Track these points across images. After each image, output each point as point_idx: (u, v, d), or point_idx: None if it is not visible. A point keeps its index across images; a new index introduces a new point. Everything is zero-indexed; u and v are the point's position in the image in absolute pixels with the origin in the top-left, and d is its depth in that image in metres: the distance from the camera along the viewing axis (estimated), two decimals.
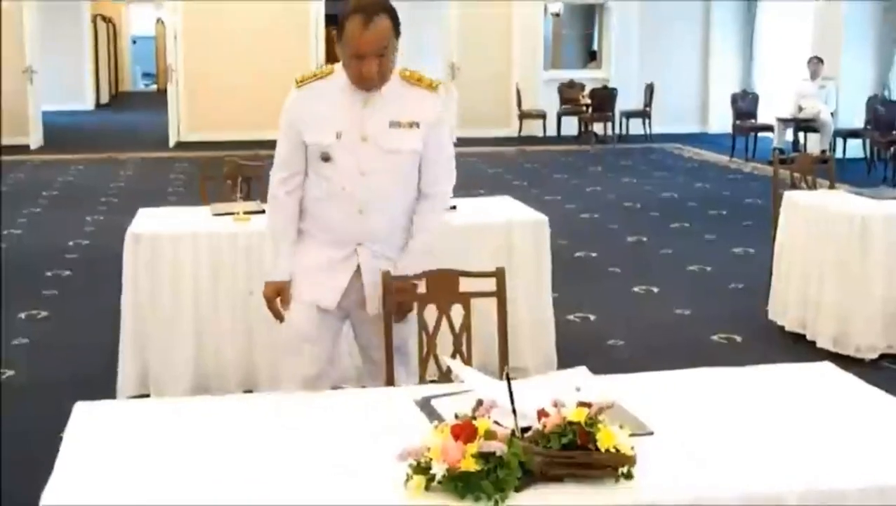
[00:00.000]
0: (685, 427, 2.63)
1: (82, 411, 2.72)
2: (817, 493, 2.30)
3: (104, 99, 27.81)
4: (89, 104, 25.82)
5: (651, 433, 2.55)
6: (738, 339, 6.88)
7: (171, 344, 5.52)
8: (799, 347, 6.50)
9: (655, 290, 8.18)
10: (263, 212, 5.87)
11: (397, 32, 3.48)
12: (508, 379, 2.54)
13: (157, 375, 5.50)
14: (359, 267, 3.62)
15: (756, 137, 16.31)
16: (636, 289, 8.13)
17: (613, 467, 2.26)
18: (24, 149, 16.84)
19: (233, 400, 2.96)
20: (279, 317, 3.74)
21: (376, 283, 3.61)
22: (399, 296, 3.58)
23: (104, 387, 5.39)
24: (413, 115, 3.56)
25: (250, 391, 5.43)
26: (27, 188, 13.31)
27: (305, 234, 3.71)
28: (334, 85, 3.56)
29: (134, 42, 33.70)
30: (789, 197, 7.02)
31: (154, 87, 32.35)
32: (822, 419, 2.73)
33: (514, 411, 2.39)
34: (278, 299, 3.72)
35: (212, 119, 17.80)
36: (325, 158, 3.55)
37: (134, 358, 5.50)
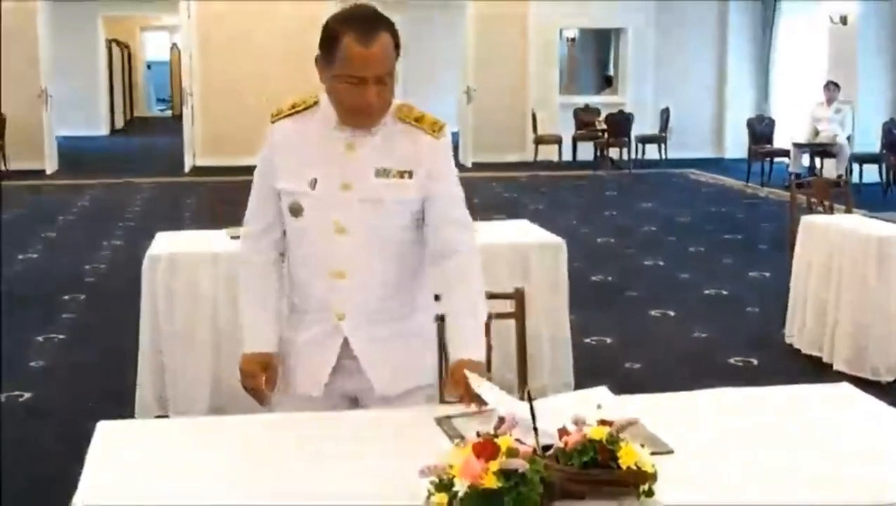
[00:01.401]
0: (705, 446, 2.64)
1: (105, 430, 2.74)
2: None
3: (119, 124, 27.98)
4: (104, 129, 25.97)
5: (671, 452, 2.57)
6: (755, 362, 6.89)
7: (189, 365, 5.55)
8: (815, 370, 6.50)
9: (672, 313, 8.19)
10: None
11: (397, 54, 2.94)
12: (530, 397, 2.56)
13: (174, 396, 5.53)
14: (347, 343, 3.05)
15: (772, 161, 16.33)
16: (653, 312, 8.15)
17: (635, 484, 2.27)
18: (39, 174, 16.96)
19: (253, 419, 2.97)
20: (263, 400, 3.15)
21: (377, 362, 3.07)
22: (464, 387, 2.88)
23: (122, 409, 5.42)
24: (406, 163, 2.98)
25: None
26: (43, 212, 13.39)
27: (293, 310, 3.14)
28: (316, 120, 3.02)
29: (149, 67, 33.90)
30: (806, 221, 7.04)
31: (169, 112, 32.52)
32: (841, 439, 2.74)
33: (535, 429, 2.41)
34: (262, 377, 3.13)
35: (227, 144, 17.88)
36: (295, 210, 3.00)
37: (152, 380, 5.54)
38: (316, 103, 3.04)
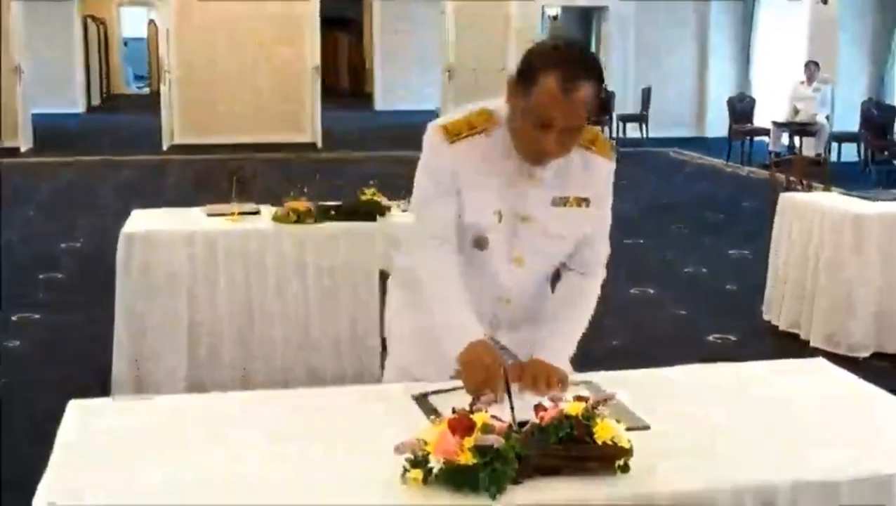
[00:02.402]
0: (681, 421, 2.65)
1: (77, 408, 2.72)
2: (809, 485, 2.32)
3: (95, 101, 27.79)
4: (81, 107, 25.81)
5: (647, 427, 2.57)
6: (733, 338, 6.93)
7: (166, 346, 5.54)
8: (793, 346, 6.55)
9: (652, 291, 8.22)
10: (257, 213, 5.94)
11: (600, 101, 2.73)
12: (506, 373, 2.57)
13: (151, 377, 5.52)
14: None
15: (752, 140, 16.37)
16: (633, 291, 8.17)
17: (610, 459, 2.28)
18: (14, 152, 16.84)
19: (230, 397, 2.97)
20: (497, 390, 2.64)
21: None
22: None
23: (98, 389, 5.40)
24: (583, 189, 2.92)
25: None
26: (18, 191, 13.31)
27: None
28: (496, 143, 2.83)
29: (126, 44, 33.68)
30: (785, 199, 7.07)
31: (147, 89, 32.35)
32: (816, 413, 2.75)
33: (511, 406, 2.41)
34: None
35: (206, 122, 17.80)
36: (481, 243, 2.90)
37: (128, 360, 5.52)
38: (491, 124, 2.84)
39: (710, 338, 6.96)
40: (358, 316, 5.70)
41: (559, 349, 2.94)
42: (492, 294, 2.95)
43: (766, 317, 7.10)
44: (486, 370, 2.67)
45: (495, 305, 2.97)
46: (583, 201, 2.92)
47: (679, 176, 15.26)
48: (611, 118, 18.40)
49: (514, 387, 2.68)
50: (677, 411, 2.73)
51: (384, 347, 3.41)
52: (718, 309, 7.71)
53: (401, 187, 7.50)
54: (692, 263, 9.27)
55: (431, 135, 2.88)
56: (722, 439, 2.55)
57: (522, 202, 2.87)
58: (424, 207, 2.91)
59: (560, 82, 2.61)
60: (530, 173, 2.84)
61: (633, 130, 18.93)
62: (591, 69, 2.68)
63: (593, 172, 2.92)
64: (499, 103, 2.86)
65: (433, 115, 14.72)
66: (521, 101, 2.70)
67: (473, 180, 2.84)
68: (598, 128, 2.90)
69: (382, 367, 3.47)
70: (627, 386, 2.83)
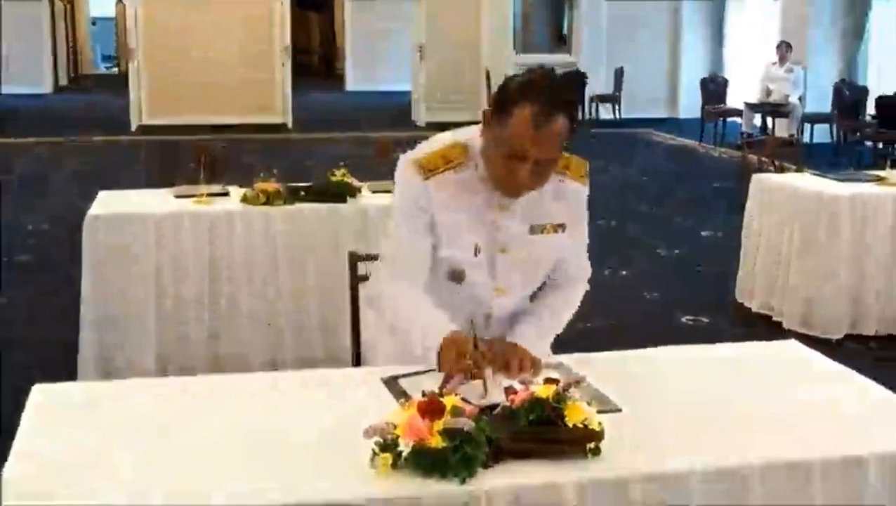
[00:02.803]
0: (652, 404, 2.65)
1: (41, 393, 2.70)
2: (780, 466, 2.33)
3: (63, 81, 27.56)
4: (48, 87, 25.58)
5: (619, 410, 2.57)
6: (706, 320, 6.96)
7: (133, 330, 5.51)
8: (766, 329, 6.57)
9: (624, 273, 8.24)
10: (226, 194, 5.91)
11: (572, 135, 2.80)
12: (476, 342, 2.58)
13: (118, 361, 5.49)
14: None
15: (725, 121, 16.41)
16: (605, 272, 8.17)
17: (581, 442, 2.28)
18: None
19: (197, 380, 2.95)
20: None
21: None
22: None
23: (64, 374, 5.36)
24: (560, 215, 2.99)
25: None
26: None
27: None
28: (470, 176, 2.89)
29: (94, 23, 33.42)
30: (758, 180, 7.09)
31: (115, 69, 32.13)
32: (787, 395, 2.76)
33: (485, 387, 2.41)
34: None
35: (174, 102, 17.67)
36: (457, 276, 2.94)
37: (95, 344, 5.49)
38: (464, 158, 2.89)
39: (683, 320, 6.98)
40: (328, 299, 5.68)
41: (533, 337, 2.99)
42: (473, 314, 2.94)
43: (738, 299, 7.12)
44: (459, 347, 2.70)
45: (477, 321, 2.92)
46: (559, 227, 2.98)
47: (652, 157, 15.30)
48: (583, 98, 18.38)
49: (488, 370, 2.69)
50: (649, 394, 2.73)
51: (359, 362, 3.41)
52: (691, 291, 7.74)
53: (371, 168, 7.51)
54: (664, 244, 9.30)
55: (404, 170, 2.91)
56: (694, 421, 2.55)
57: (499, 234, 2.92)
58: (400, 243, 2.95)
59: (534, 116, 2.67)
60: (503, 205, 2.89)
61: (605, 111, 18.94)
62: (566, 102, 2.76)
63: (567, 198, 2.99)
64: (471, 134, 2.91)
65: (405, 96, 14.82)
66: (495, 132, 2.75)
67: (448, 215, 2.89)
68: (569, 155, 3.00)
69: (352, 350, 3.47)
70: (599, 368, 2.83)
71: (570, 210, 3.00)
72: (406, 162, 2.91)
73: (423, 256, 2.92)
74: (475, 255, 2.92)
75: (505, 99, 2.73)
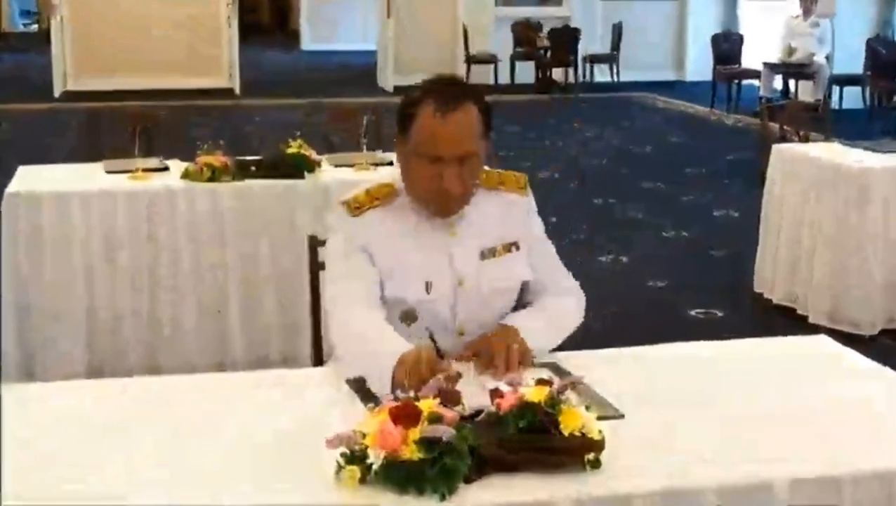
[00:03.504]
0: (660, 409, 2.65)
1: None
2: (807, 482, 2.33)
3: None
4: None
5: (621, 416, 2.58)
6: (720, 314, 6.97)
7: (60, 324, 5.49)
8: (789, 323, 6.58)
9: (624, 259, 8.25)
10: (165, 169, 5.89)
11: (488, 128, 2.96)
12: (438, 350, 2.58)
13: (43, 358, 5.47)
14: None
15: (740, 84, 16.43)
16: (602, 258, 8.19)
17: (578, 453, 2.27)
18: None
19: (132, 384, 2.95)
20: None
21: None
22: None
23: None
24: (508, 233, 3.11)
25: None
26: None
27: None
28: (401, 211, 3.04)
29: None
30: (778, 151, 7.09)
31: (35, 27, 31.94)
32: (815, 398, 2.76)
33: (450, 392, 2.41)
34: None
35: (104, 65, 17.56)
36: (409, 318, 2.93)
37: (17, 339, 5.48)
38: (392, 193, 3.06)
39: (693, 313, 6.99)
40: (284, 290, 5.66)
41: (530, 323, 3.02)
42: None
43: (757, 289, 7.12)
44: (426, 363, 2.62)
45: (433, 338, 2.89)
46: (511, 246, 3.12)
47: (655, 126, 15.30)
48: (576, 59, 18.38)
49: (469, 368, 2.68)
50: (655, 398, 2.74)
51: (321, 362, 3.42)
52: (701, 279, 7.75)
53: (332, 139, 7.49)
54: (671, 226, 9.30)
55: (333, 214, 3.11)
56: (706, 429, 2.55)
57: (449, 263, 3.03)
58: (342, 285, 2.98)
59: (435, 107, 2.87)
60: (445, 229, 3.03)
61: (601, 73, 18.93)
62: (469, 90, 2.98)
63: (511, 213, 3.14)
64: (394, 173, 3.11)
65: (370, 56, 14.78)
66: (407, 146, 2.95)
67: (390, 250, 3.01)
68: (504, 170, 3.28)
69: (312, 349, 3.46)
70: (598, 369, 2.83)
71: (517, 225, 3.14)
72: (333, 206, 3.11)
73: (372, 288, 2.99)
74: (427, 292, 3.01)
75: (407, 107, 2.95)
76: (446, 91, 2.92)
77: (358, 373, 2.79)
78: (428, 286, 3.01)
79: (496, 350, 2.85)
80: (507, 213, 3.13)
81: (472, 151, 2.92)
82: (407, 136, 2.94)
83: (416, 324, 2.94)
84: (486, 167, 3.14)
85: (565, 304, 3.20)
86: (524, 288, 3.19)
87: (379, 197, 3.05)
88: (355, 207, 3.02)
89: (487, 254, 3.07)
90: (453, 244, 3.04)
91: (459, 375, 2.54)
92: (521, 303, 3.20)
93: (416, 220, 3.03)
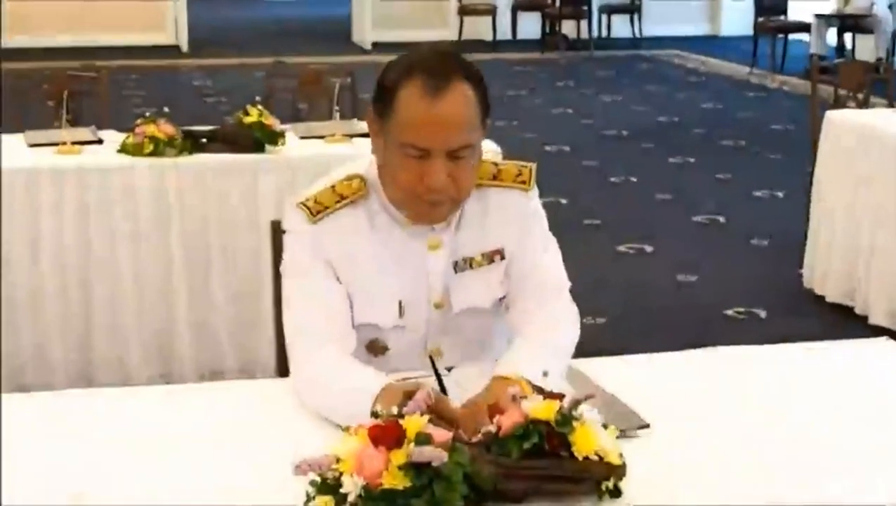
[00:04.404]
0: (692, 425, 2.66)
1: None
2: None
3: None
4: None
5: (646, 425, 2.59)
6: (762, 314, 6.98)
7: None
8: (845, 324, 6.62)
9: (649, 249, 8.26)
10: (99, 142, 5.87)
11: (486, 113, 2.85)
12: (432, 360, 2.57)
13: None
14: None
15: (786, 40, 16.44)
16: (622, 248, 8.21)
17: (595, 480, 2.27)
18: None
19: (61, 397, 2.95)
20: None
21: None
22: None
23: None
24: (493, 238, 3.01)
25: None
26: None
27: None
28: (373, 213, 2.96)
29: None
30: (832, 120, 7.08)
31: None
32: (877, 413, 2.76)
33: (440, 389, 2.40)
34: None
35: (25, 17, 17.55)
36: (378, 348, 2.98)
37: None
38: (363, 191, 2.95)
39: (730, 312, 7.00)
40: (241, 286, 5.67)
41: (523, 355, 2.87)
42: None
43: (806, 284, 7.13)
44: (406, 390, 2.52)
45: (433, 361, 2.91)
46: (495, 255, 3.01)
47: (685, 89, 15.32)
48: (590, 9, 18.37)
49: (459, 380, 2.68)
50: (686, 411, 2.74)
51: (285, 372, 3.40)
52: (741, 273, 7.75)
53: (299, 106, 7.48)
54: (704, 209, 9.31)
55: (289, 218, 2.98)
56: (745, 445, 2.56)
57: (426, 281, 2.97)
58: (304, 308, 2.92)
59: (423, 86, 2.73)
60: (433, 243, 2.95)
61: (621, 27, 18.95)
62: (464, 65, 2.80)
63: (505, 215, 3.01)
64: (368, 164, 2.98)
65: (342, 6, 14.71)
66: (386, 134, 2.81)
67: (354, 265, 2.92)
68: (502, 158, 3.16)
69: (276, 356, 3.46)
70: (618, 377, 2.84)
71: (509, 230, 3.01)
72: (290, 209, 2.97)
73: (339, 314, 2.92)
74: (400, 315, 2.96)
75: (386, 86, 2.80)
76: (437, 67, 2.77)
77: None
78: (401, 309, 2.97)
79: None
80: (498, 216, 3.01)
81: (468, 144, 2.79)
82: (386, 121, 2.81)
83: (386, 357, 2.96)
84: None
85: (561, 325, 3.05)
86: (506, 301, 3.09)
87: (346, 195, 2.93)
88: (316, 212, 2.92)
89: (462, 265, 2.99)
90: (432, 256, 2.97)
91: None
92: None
93: (388, 224, 2.95)
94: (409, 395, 2.48)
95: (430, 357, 2.74)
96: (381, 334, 2.97)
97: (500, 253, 3.01)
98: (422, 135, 2.74)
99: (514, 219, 3.02)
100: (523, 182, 3.03)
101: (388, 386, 2.61)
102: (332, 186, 2.95)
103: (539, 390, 2.45)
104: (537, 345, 2.89)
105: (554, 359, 2.85)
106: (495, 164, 3.04)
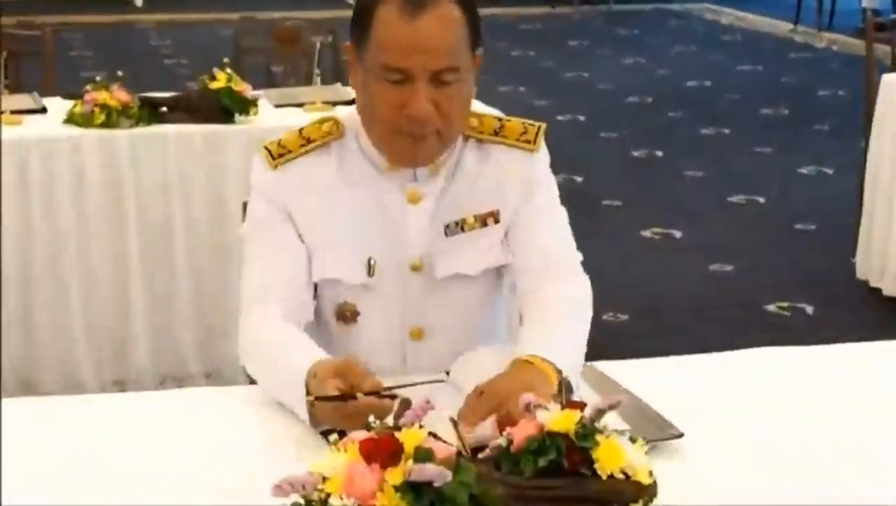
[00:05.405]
0: (727, 433, 2.68)
1: None
2: None
3: None
4: None
5: (680, 435, 2.60)
6: (809, 309, 7.00)
7: None
8: None
9: (678, 234, 8.27)
10: (42, 111, 5.87)
11: (475, 38, 2.91)
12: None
13: None
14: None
15: None
16: (646, 233, 8.22)
17: (622, 501, 2.28)
18: None
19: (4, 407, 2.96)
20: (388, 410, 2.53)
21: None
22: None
23: None
24: (487, 200, 3.06)
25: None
26: None
27: None
28: (346, 158, 3.03)
29: None
30: (889, 85, 7.09)
31: None
32: None
33: (454, 422, 2.41)
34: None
35: None
36: (346, 313, 3.04)
37: None
38: (338, 132, 3.02)
39: (772, 308, 7.01)
40: (206, 279, 5.68)
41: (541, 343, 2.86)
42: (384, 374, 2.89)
43: (860, 276, 7.14)
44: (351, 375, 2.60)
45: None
46: (488, 217, 3.05)
47: (718, 48, 15.33)
48: None
49: (460, 383, 2.69)
50: (721, 422, 2.76)
51: None
52: (784, 263, 7.76)
53: (273, 69, 7.46)
54: (740, 188, 9.32)
55: (254, 163, 3.08)
56: (792, 461, 2.57)
57: (404, 238, 3.01)
58: (251, 270, 3.03)
59: (402, 4, 2.80)
60: (412, 195, 3.00)
61: None
62: None
63: (506, 175, 3.06)
64: (349, 111, 3.12)
65: None
66: (363, 61, 2.88)
67: (319, 218, 2.99)
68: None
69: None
70: (642, 382, 2.84)
71: (507, 190, 3.06)
72: (257, 153, 3.06)
73: (293, 270, 2.99)
74: (369, 274, 3.00)
75: (362, 8, 2.88)
76: None
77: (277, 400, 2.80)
78: (370, 267, 3.00)
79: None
80: (496, 175, 3.06)
81: (454, 66, 2.84)
82: (363, 48, 2.88)
83: (357, 324, 3.01)
84: (482, 112, 3.15)
85: (575, 303, 3.08)
86: (506, 274, 3.14)
87: (313, 138, 3.02)
88: (278, 155, 3.01)
89: (453, 229, 3.03)
90: (412, 211, 3.01)
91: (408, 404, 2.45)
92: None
93: (364, 172, 3.01)
94: (340, 372, 2.58)
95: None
96: (349, 295, 3.01)
97: (494, 216, 3.05)
98: (400, 54, 2.80)
99: (513, 181, 3.07)
100: (527, 141, 3.08)
101: (318, 363, 2.66)
102: (300, 130, 3.04)
103: (562, 388, 2.47)
104: (555, 331, 2.91)
105: (571, 351, 2.88)
106: (499, 118, 3.11)
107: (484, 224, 3.04)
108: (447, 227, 3.02)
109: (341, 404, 2.54)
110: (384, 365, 2.92)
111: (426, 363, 3.01)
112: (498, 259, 3.09)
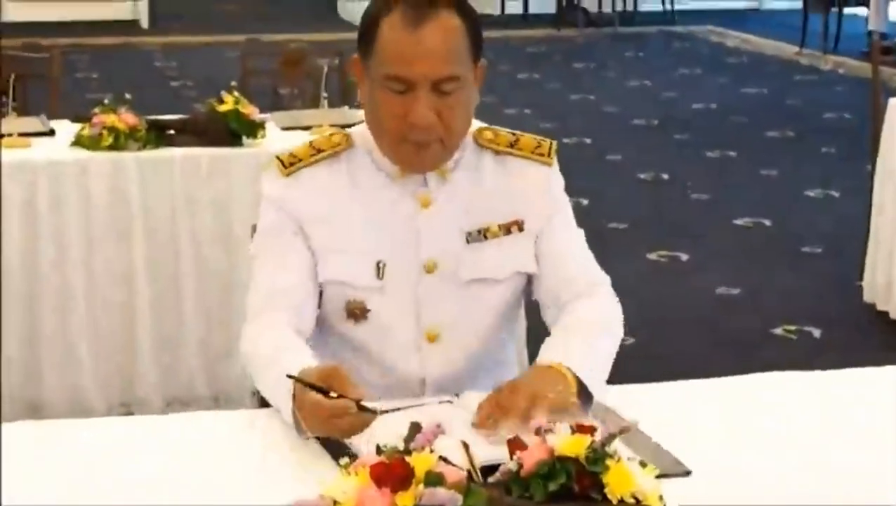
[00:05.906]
0: (734, 459, 2.67)
1: None
2: None
3: None
4: None
5: (688, 473, 2.59)
6: (816, 333, 6.98)
7: None
8: None
9: (684, 257, 8.26)
10: (50, 133, 5.88)
11: (477, 49, 3.00)
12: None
13: None
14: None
15: (841, 15, 16.43)
16: (653, 256, 8.22)
17: None
18: None
19: (6, 431, 2.96)
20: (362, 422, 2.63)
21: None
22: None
23: None
24: (511, 209, 3.12)
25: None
26: None
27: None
28: (354, 167, 3.11)
29: None
30: None
31: None
32: None
33: (465, 446, 2.41)
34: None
35: None
36: (356, 312, 3.07)
37: None
38: (347, 143, 3.12)
39: (779, 331, 7.00)
40: (214, 301, 5.67)
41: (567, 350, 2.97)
42: (397, 385, 3.06)
43: (867, 298, 7.12)
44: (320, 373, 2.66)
45: (406, 393, 3.03)
46: (512, 226, 3.12)
47: (724, 71, 15.32)
48: None
49: (467, 407, 2.69)
50: (732, 448, 2.75)
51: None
52: (791, 285, 7.75)
53: (281, 92, 7.46)
54: (747, 211, 9.31)
55: (263, 179, 3.17)
56: (800, 488, 2.56)
57: (420, 242, 3.07)
58: (259, 281, 3.10)
59: (406, 13, 2.91)
60: (424, 199, 3.07)
61: None
62: None
63: (523, 186, 3.14)
64: (357, 127, 3.17)
65: None
66: (369, 73, 2.99)
67: (329, 225, 3.07)
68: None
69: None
70: (654, 408, 2.84)
71: (529, 201, 3.13)
72: (268, 164, 3.16)
73: (298, 279, 3.05)
74: (379, 276, 3.05)
75: (369, 21, 2.98)
76: None
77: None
78: (380, 268, 3.05)
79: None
80: (516, 186, 3.13)
81: (454, 75, 2.93)
82: (369, 60, 2.98)
83: (368, 323, 3.05)
84: (497, 127, 3.19)
85: (602, 319, 3.18)
86: (530, 287, 3.20)
87: (323, 149, 3.10)
88: (290, 164, 3.08)
89: (476, 236, 3.09)
90: (423, 215, 3.07)
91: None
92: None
93: (374, 180, 3.08)
94: (322, 379, 2.60)
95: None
96: (357, 294, 3.05)
97: (519, 225, 3.12)
98: (402, 64, 2.90)
99: (537, 192, 3.15)
100: (543, 155, 3.15)
101: (307, 368, 2.68)
102: (310, 142, 3.14)
103: (581, 393, 2.50)
104: (578, 344, 3.01)
105: (594, 363, 2.97)
106: (513, 133, 3.17)
107: (508, 232, 3.10)
108: (469, 234, 3.08)
109: (318, 403, 2.57)
110: (399, 367, 3.04)
111: (441, 370, 3.07)
112: (526, 266, 3.14)
